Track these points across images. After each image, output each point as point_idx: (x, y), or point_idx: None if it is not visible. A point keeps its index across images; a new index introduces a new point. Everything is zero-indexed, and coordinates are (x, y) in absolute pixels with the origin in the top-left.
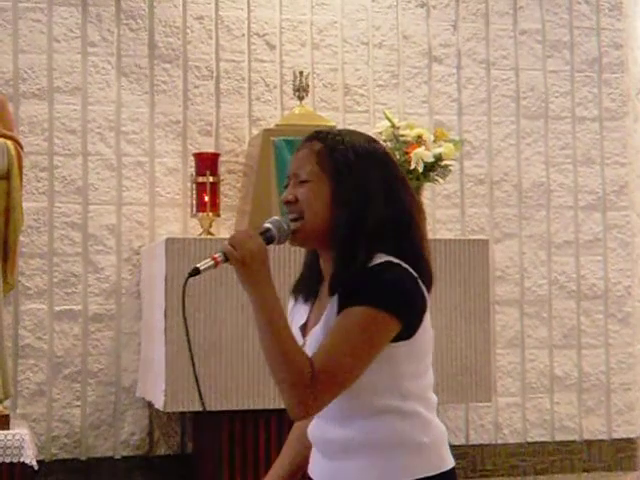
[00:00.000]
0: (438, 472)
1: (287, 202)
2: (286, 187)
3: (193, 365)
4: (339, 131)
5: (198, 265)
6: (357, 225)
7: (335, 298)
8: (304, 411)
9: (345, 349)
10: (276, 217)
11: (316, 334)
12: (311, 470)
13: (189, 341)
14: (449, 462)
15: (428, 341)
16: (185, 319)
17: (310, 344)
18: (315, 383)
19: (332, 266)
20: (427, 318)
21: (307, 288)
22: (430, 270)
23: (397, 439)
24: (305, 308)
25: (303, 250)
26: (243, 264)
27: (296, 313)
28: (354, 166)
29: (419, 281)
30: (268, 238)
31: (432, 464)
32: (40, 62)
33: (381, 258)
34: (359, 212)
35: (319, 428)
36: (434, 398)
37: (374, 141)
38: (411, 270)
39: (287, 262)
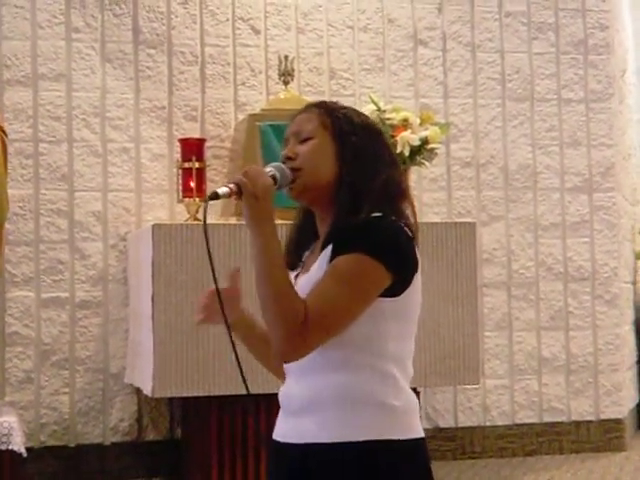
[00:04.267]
0: (406, 437)
1: (287, 158)
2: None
3: (227, 325)
4: (333, 102)
5: (217, 190)
6: (362, 185)
7: (329, 248)
8: (293, 352)
9: (337, 293)
10: (276, 162)
11: (305, 280)
12: (275, 432)
13: (215, 277)
14: (418, 432)
15: (416, 306)
16: (209, 252)
17: (301, 290)
18: (306, 324)
19: (329, 224)
20: (417, 282)
21: (298, 243)
22: (417, 236)
23: (367, 397)
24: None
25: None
26: (256, 198)
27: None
28: (357, 127)
29: (413, 242)
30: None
31: (400, 428)
32: (24, 49)
33: (379, 214)
34: (365, 172)
35: (287, 386)
36: (411, 369)
37: (367, 115)
38: (407, 229)
39: None
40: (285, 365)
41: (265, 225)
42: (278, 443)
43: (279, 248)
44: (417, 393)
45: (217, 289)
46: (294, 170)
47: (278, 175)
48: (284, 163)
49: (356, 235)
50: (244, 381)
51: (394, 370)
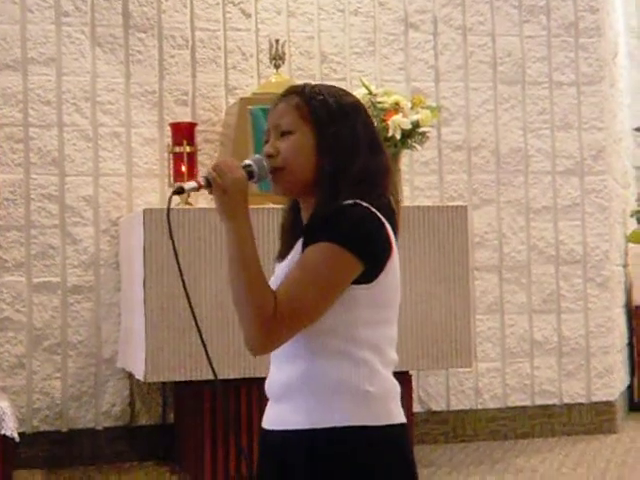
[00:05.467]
0: (380, 424)
1: (269, 155)
2: (266, 142)
3: (193, 313)
4: (314, 84)
5: (183, 185)
6: (341, 173)
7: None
8: (263, 344)
9: (306, 284)
10: (257, 155)
11: (281, 270)
12: (263, 420)
13: (180, 270)
14: (397, 417)
15: (392, 291)
16: (173, 244)
17: (275, 280)
18: (276, 316)
19: (310, 214)
20: (392, 267)
21: (288, 244)
22: (397, 219)
23: (341, 383)
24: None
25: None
26: (224, 192)
27: (277, 267)
28: (336, 115)
29: (386, 227)
30: (249, 173)
31: (374, 414)
32: (13, 33)
33: (351, 201)
34: (344, 160)
35: (271, 375)
36: (393, 355)
37: (349, 93)
38: (379, 215)
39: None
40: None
41: (235, 218)
42: (264, 430)
43: (251, 241)
44: (409, 377)
45: (183, 281)
46: (276, 169)
47: (255, 168)
48: (266, 159)
49: (324, 225)
50: (210, 365)
51: (369, 356)
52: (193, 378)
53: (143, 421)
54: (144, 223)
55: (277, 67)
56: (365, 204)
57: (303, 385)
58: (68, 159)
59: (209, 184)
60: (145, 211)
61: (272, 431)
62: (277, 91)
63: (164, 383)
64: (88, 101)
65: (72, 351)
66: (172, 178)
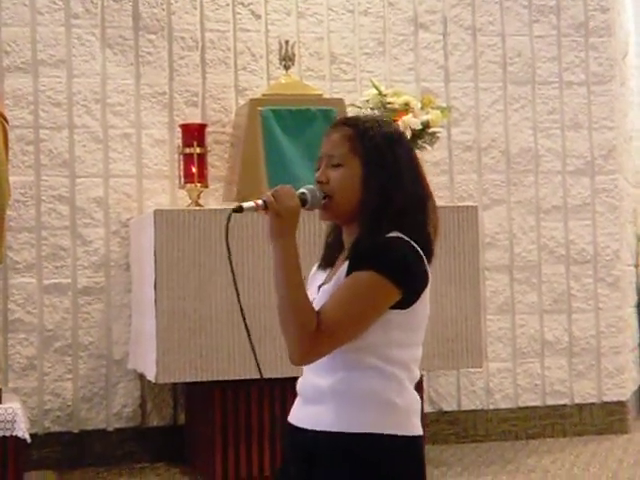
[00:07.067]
0: (406, 434)
1: (320, 182)
2: (318, 168)
3: (244, 318)
4: (365, 116)
5: (242, 204)
6: (384, 206)
7: (346, 264)
8: (304, 358)
9: (348, 307)
10: (311, 185)
11: (325, 291)
12: (291, 416)
13: (235, 281)
14: (418, 430)
15: (422, 317)
16: (230, 259)
17: (319, 300)
18: (317, 334)
19: (353, 238)
20: (426, 296)
21: (329, 257)
22: (433, 248)
23: (371, 393)
24: (323, 274)
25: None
26: (279, 217)
27: (317, 275)
28: (384, 150)
29: (424, 260)
30: (302, 201)
31: (401, 425)
32: (24, 35)
33: (394, 234)
34: (387, 194)
35: (305, 377)
36: (417, 373)
37: (390, 122)
38: (418, 248)
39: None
40: None
41: (285, 241)
42: (292, 426)
43: (297, 262)
44: (420, 377)
45: (236, 287)
46: (326, 197)
47: (309, 197)
48: (317, 185)
49: (370, 254)
50: (258, 365)
51: (399, 373)
52: (204, 379)
53: (154, 422)
54: (155, 224)
55: (287, 68)
56: (406, 238)
57: (337, 392)
58: (78, 160)
59: (266, 207)
60: (156, 212)
61: (302, 429)
62: (287, 92)
63: (175, 384)
64: (98, 103)
65: (83, 352)
66: (182, 179)
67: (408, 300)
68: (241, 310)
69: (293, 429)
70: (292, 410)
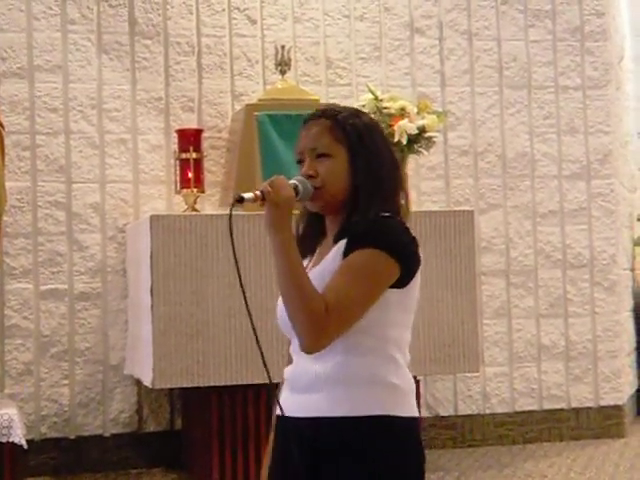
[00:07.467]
0: (406, 415)
1: (309, 176)
2: (299, 162)
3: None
4: (338, 106)
5: (243, 195)
6: (374, 188)
7: (341, 243)
8: (317, 343)
9: (354, 284)
10: (300, 176)
11: (317, 273)
12: (283, 409)
13: (240, 276)
14: (416, 411)
15: (415, 299)
16: (234, 252)
17: (312, 282)
18: (328, 318)
19: (340, 223)
20: (418, 279)
21: (306, 246)
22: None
23: (370, 376)
24: (304, 261)
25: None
26: (277, 206)
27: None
28: (364, 136)
29: (417, 240)
30: (295, 192)
31: (403, 406)
32: (20, 40)
33: (386, 214)
34: (375, 177)
35: (298, 365)
36: (408, 355)
37: (365, 112)
38: (410, 230)
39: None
40: (292, 347)
41: (283, 230)
42: (285, 418)
43: (296, 251)
44: (417, 382)
45: (241, 284)
46: (316, 188)
47: (301, 188)
48: (307, 178)
49: (369, 233)
50: (267, 371)
51: (396, 353)
52: (201, 384)
53: (151, 428)
54: (151, 230)
55: (283, 73)
56: (398, 218)
57: (338, 377)
58: (75, 166)
59: (264, 197)
60: (152, 218)
61: (298, 418)
62: (283, 97)
63: (172, 389)
64: (94, 108)
65: (79, 358)
66: (178, 184)
67: (405, 278)
68: (248, 312)
69: (286, 421)
70: (281, 403)
